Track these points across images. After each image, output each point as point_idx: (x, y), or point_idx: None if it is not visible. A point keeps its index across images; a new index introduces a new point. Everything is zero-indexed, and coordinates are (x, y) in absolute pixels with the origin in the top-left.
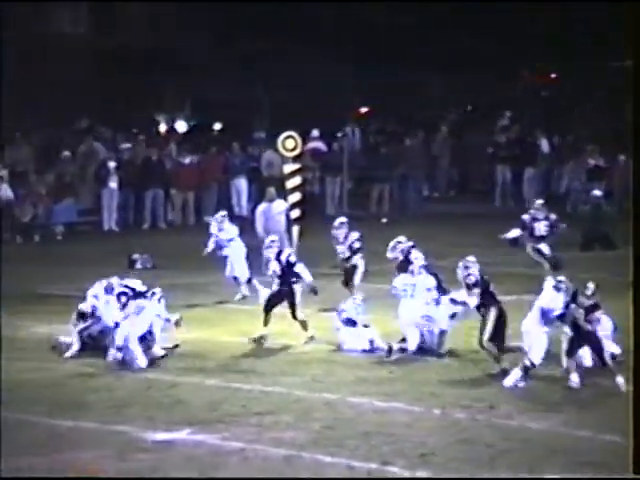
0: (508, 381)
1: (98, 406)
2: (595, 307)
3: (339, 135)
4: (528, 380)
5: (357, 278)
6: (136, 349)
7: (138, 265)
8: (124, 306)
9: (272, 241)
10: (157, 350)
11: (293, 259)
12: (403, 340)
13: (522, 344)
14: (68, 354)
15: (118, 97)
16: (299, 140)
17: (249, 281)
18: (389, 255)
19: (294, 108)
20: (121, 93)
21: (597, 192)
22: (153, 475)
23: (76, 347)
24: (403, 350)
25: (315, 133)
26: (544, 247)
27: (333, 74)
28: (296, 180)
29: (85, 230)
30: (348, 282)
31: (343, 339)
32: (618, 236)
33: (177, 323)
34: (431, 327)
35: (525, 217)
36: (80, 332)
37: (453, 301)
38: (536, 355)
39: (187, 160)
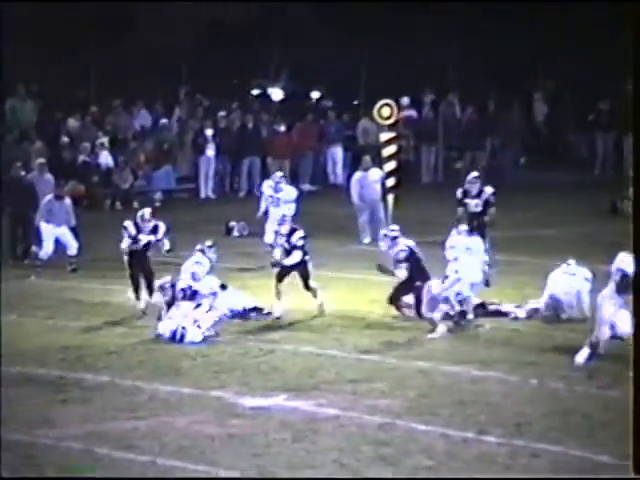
0: (579, 358)
1: (194, 372)
2: None
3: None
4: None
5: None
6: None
7: (235, 232)
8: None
9: (284, 216)
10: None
11: (300, 242)
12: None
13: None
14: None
15: (216, 65)
16: (395, 108)
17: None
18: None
19: (390, 76)
20: (219, 61)
21: None
22: (250, 440)
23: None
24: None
25: (406, 101)
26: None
27: (432, 43)
28: (391, 148)
29: (182, 197)
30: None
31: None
32: None
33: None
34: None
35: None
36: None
37: None
38: (603, 331)
39: (282, 128)
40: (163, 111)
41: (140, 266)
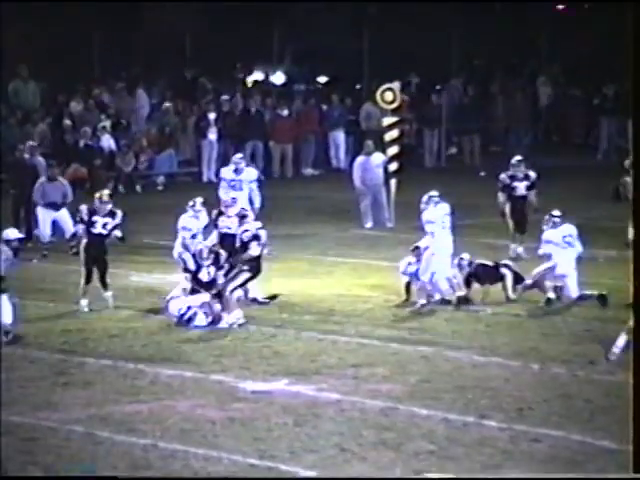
0: (619, 343)
1: (196, 356)
2: None
3: (438, 88)
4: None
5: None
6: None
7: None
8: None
9: (233, 199)
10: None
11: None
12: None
13: None
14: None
15: (218, 48)
16: (398, 92)
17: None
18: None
19: (394, 60)
20: (221, 44)
21: None
22: (252, 424)
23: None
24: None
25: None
26: None
27: (437, 26)
28: (394, 133)
29: (185, 181)
30: (521, 221)
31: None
32: None
33: None
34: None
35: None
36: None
37: None
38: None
39: (285, 112)
40: (166, 94)
41: (95, 254)
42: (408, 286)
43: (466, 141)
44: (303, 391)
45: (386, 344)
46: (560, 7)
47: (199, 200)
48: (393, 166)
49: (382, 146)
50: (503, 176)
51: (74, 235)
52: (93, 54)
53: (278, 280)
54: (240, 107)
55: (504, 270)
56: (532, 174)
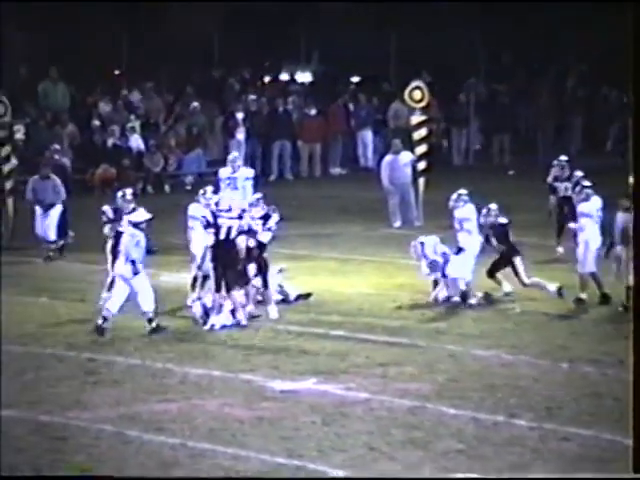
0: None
1: (224, 355)
2: None
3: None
4: None
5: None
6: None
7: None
8: None
9: (258, 199)
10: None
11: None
12: None
13: None
14: None
15: (246, 48)
16: (426, 91)
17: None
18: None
19: (421, 60)
20: (248, 44)
21: None
22: (280, 423)
23: None
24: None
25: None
26: None
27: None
28: (422, 132)
29: (213, 181)
30: (564, 223)
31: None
32: None
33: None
34: None
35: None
36: None
37: None
38: None
39: (313, 112)
40: (194, 95)
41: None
42: (436, 283)
43: (496, 140)
44: (331, 390)
45: (414, 343)
46: None
47: (209, 189)
48: (421, 165)
49: (410, 145)
50: (548, 178)
51: (59, 237)
52: (122, 55)
53: (306, 279)
54: (268, 107)
55: (516, 255)
56: (578, 173)
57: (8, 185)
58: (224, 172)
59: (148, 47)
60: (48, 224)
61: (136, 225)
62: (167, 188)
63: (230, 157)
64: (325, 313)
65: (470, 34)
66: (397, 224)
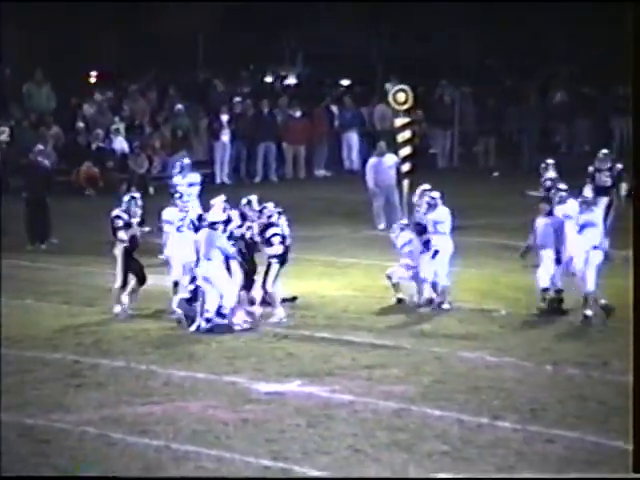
0: None
1: (209, 357)
2: None
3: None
4: None
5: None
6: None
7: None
8: None
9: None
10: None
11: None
12: None
13: None
14: None
15: (231, 50)
16: (410, 93)
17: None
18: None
19: (406, 62)
20: (234, 46)
21: None
22: (264, 425)
23: None
24: None
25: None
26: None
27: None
28: (407, 134)
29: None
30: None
31: None
32: None
33: None
34: None
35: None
36: None
37: None
38: None
39: (298, 114)
40: (179, 97)
41: (132, 257)
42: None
43: (481, 142)
44: (316, 392)
45: (399, 345)
46: None
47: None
48: (405, 167)
49: (395, 147)
50: (589, 168)
51: None
52: (107, 56)
53: (291, 281)
54: (252, 109)
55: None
56: (618, 166)
57: None
58: (177, 179)
59: (133, 48)
60: None
61: (212, 225)
62: (151, 190)
63: (180, 160)
64: (310, 315)
65: (456, 34)
66: (382, 226)
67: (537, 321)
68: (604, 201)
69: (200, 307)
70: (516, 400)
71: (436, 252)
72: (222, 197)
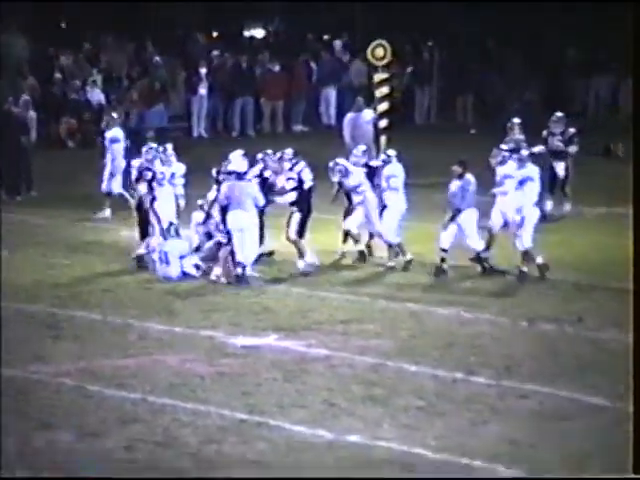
0: None
1: (186, 311)
2: None
3: (429, 44)
4: None
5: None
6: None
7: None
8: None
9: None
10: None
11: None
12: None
13: None
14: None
15: (209, 3)
16: (389, 49)
17: None
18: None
19: (386, 18)
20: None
21: None
22: (241, 379)
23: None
24: None
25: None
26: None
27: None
28: (384, 89)
29: (175, 136)
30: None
31: None
32: None
33: None
34: None
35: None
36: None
37: None
38: None
39: (276, 68)
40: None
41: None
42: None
43: (460, 99)
44: (292, 347)
45: (375, 300)
46: None
47: (170, 146)
48: (383, 123)
49: (372, 102)
50: (543, 132)
51: None
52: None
53: (269, 236)
54: (231, 62)
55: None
56: (571, 130)
57: None
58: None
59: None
60: None
61: (240, 176)
62: (128, 143)
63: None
64: (287, 270)
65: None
66: None
67: (512, 278)
68: (561, 166)
69: (229, 257)
70: (491, 356)
71: (384, 207)
72: (240, 151)
